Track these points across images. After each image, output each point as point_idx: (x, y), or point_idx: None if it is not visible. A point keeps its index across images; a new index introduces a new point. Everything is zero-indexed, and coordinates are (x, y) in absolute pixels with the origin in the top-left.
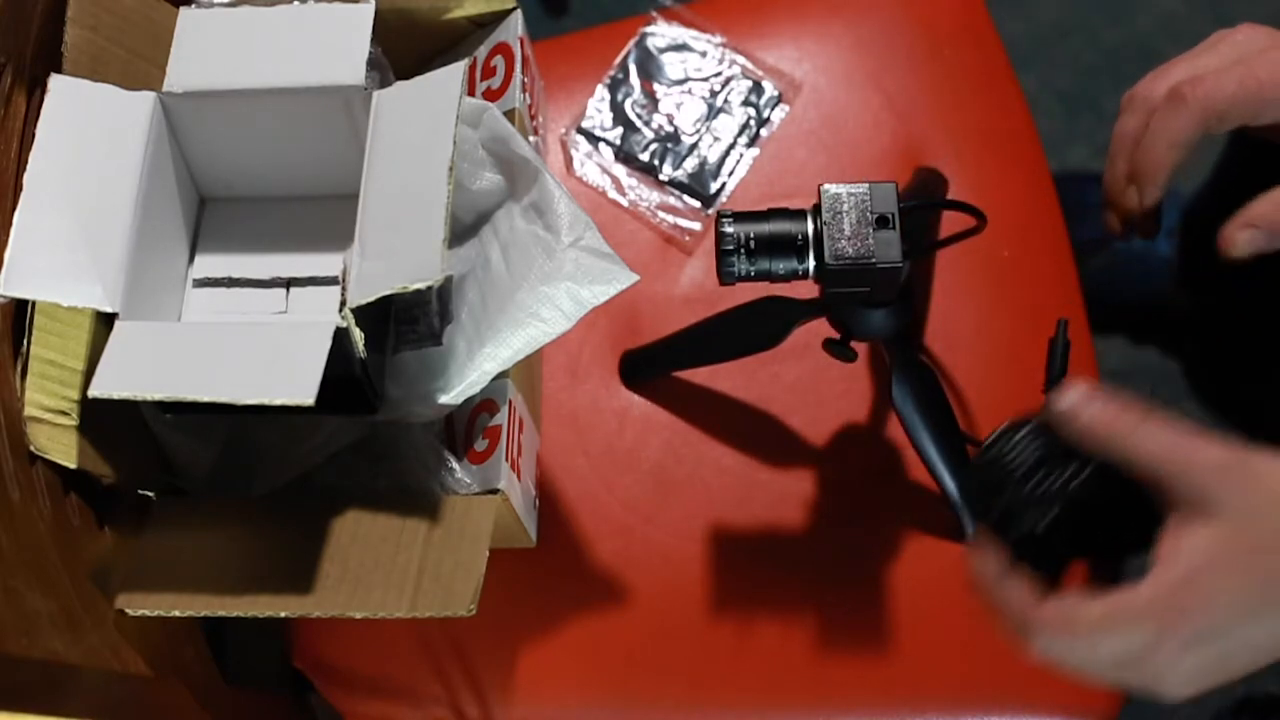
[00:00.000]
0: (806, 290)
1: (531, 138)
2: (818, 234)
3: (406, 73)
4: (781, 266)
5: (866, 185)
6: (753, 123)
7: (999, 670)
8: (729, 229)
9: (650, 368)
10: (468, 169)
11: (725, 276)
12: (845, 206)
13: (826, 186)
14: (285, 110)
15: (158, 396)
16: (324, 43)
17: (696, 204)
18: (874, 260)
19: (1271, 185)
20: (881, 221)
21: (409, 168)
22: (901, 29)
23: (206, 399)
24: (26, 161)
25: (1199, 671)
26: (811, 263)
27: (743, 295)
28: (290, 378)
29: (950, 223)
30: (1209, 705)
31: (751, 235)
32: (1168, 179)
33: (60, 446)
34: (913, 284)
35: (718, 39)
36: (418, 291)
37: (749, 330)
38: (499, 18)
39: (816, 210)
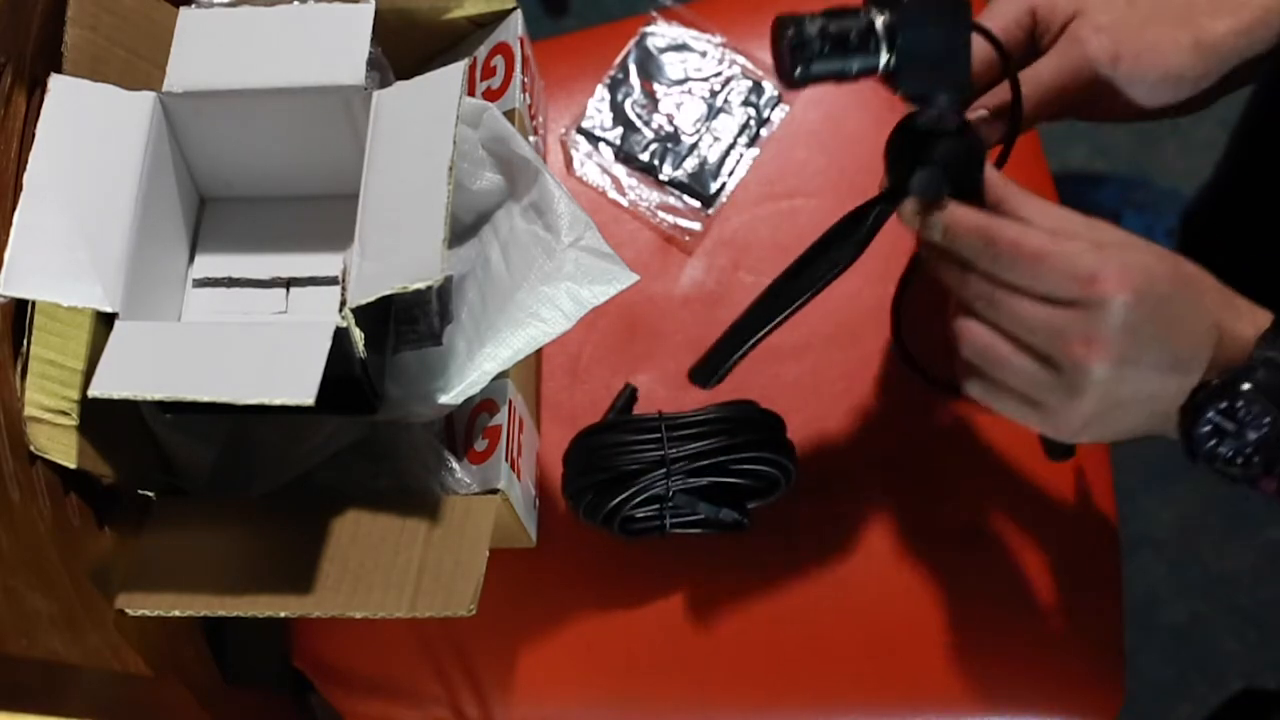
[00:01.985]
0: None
1: (531, 138)
2: (889, 26)
3: (406, 73)
4: (855, 65)
5: None
6: (753, 123)
7: (999, 670)
8: (802, 26)
9: (728, 352)
10: (468, 169)
11: (797, 77)
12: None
13: None
14: (285, 110)
15: (158, 396)
16: (324, 43)
17: (696, 204)
18: (954, 43)
19: (1273, 188)
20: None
21: (409, 168)
22: None
23: (206, 399)
24: (26, 161)
25: (1113, 367)
26: (885, 56)
27: (746, 295)
28: (290, 378)
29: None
30: (1208, 704)
31: (826, 29)
32: None
33: (60, 446)
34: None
35: (718, 39)
36: (418, 291)
37: (835, 248)
38: (499, 18)
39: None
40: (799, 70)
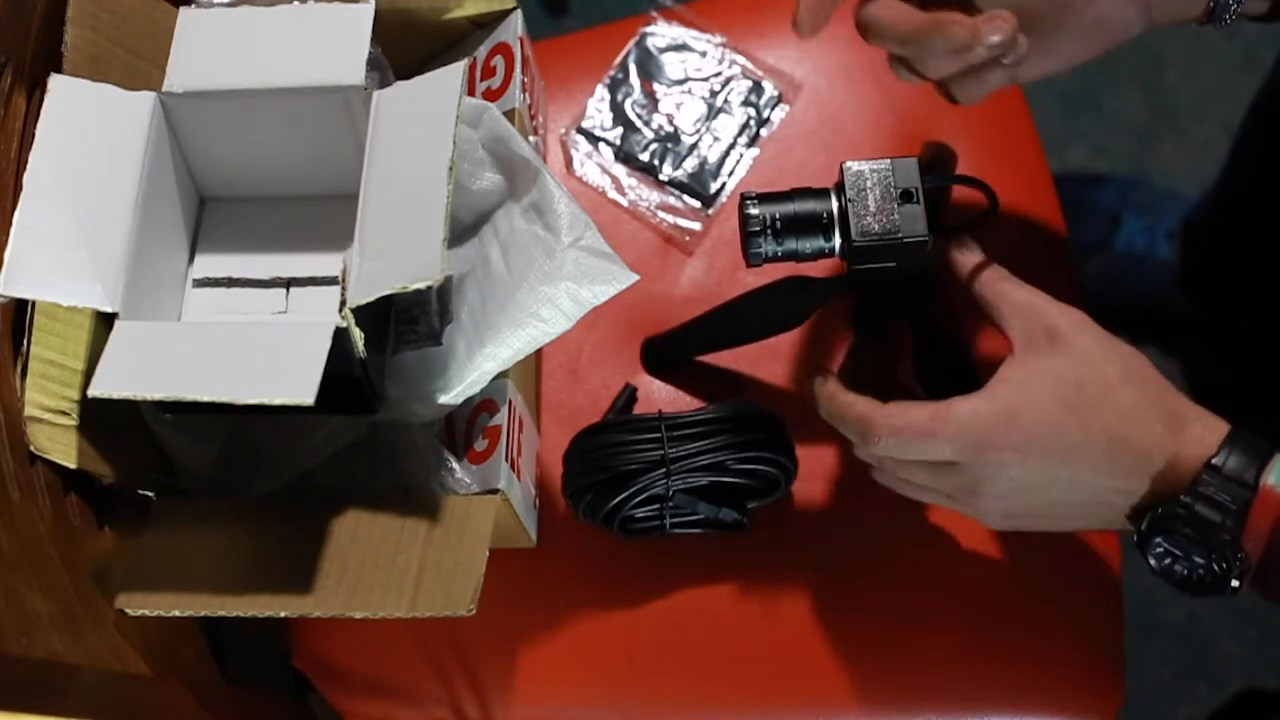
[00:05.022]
0: (824, 269)
1: (531, 138)
2: (842, 212)
3: (406, 73)
4: (808, 246)
5: (889, 161)
6: (753, 123)
7: (999, 670)
8: (754, 210)
9: (673, 353)
10: (468, 169)
11: (753, 258)
12: (869, 183)
13: (849, 164)
14: (285, 110)
15: (158, 396)
16: (324, 43)
17: (696, 204)
18: (900, 235)
19: (1274, 194)
20: (905, 196)
21: (409, 168)
22: None
23: (206, 399)
24: (26, 161)
25: (1013, 493)
26: (838, 241)
27: (742, 285)
28: (290, 378)
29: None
30: (1208, 704)
31: (777, 216)
32: None
33: (60, 446)
34: (936, 259)
35: (718, 39)
36: (418, 291)
37: (772, 311)
38: (499, 18)
39: (839, 188)
40: (752, 255)
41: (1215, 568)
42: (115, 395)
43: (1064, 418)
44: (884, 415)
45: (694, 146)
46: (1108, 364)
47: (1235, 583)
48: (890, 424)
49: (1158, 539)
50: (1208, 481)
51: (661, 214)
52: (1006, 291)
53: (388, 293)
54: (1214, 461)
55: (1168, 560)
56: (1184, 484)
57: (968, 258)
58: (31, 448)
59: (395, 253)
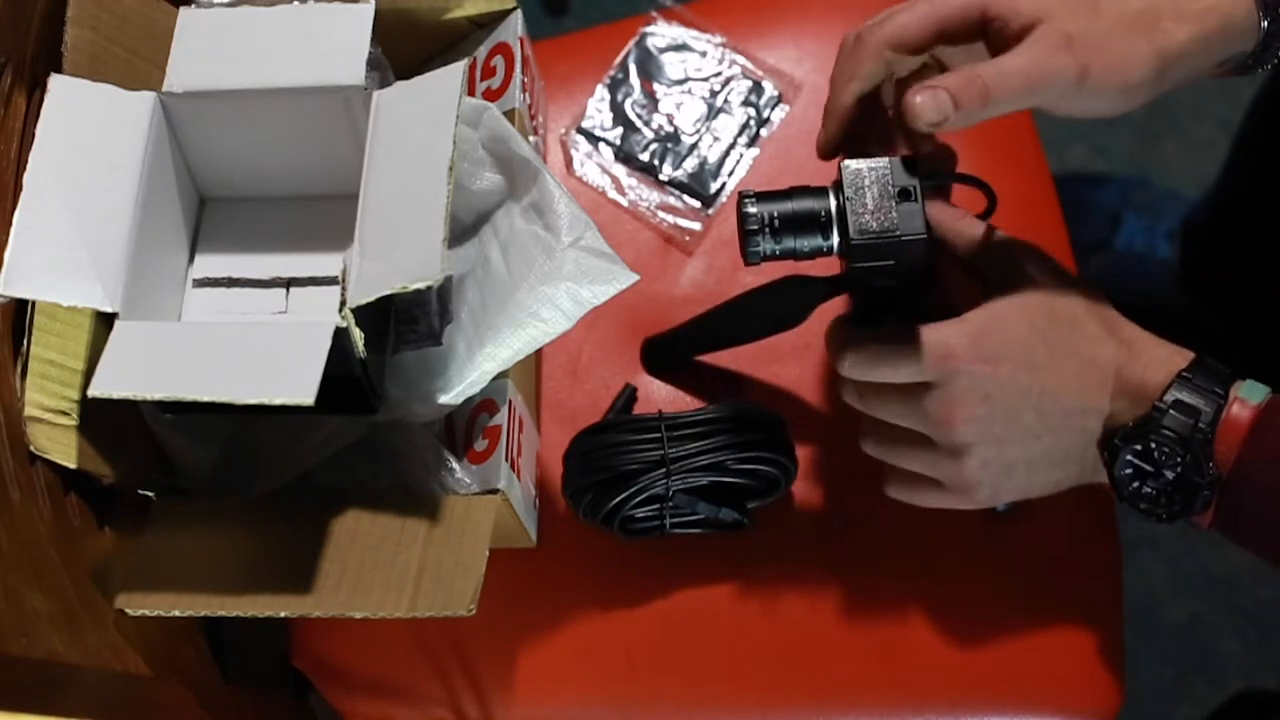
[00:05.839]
0: (823, 268)
1: (531, 138)
2: (841, 210)
3: (406, 73)
4: (806, 244)
5: (887, 160)
6: (753, 123)
7: (999, 670)
8: (752, 209)
9: (673, 353)
10: (468, 169)
11: (750, 257)
12: (867, 181)
13: (847, 162)
14: (285, 110)
15: (158, 396)
16: (324, 43)
17: (696, 204)
18: (898, 233)
19: (1274, 193)
20: (903, 195)
21: (409, 168)
22: None
23: (206, 399)
24: (26, 161)
25: (988, 418)
26: (836, 239)
27: (741, 285)
28: (290, 378)
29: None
30: (1208, 704)
31: (775, 214)
32: (844, 112)
33: (60, 446)
34: (934, 259)
35: (718, 39)
36: (418, 291)
37: (772, 311)
38: (499, 18)
39: (837, 186)
40: (749, 254)
41: (1190, 477)
42: (115, 395)
43: (1032, 339)
44: (854, 334)
45: (694, 146)
46: (1074, 297)
47: (1206, 492)
48: (858, 341)
49: (1129, 454)
50: (1181, 387)
51: (661, 214)
52: (976, 234)
53: (388, 293)
54: (1184, 373)
55: (1136, 483)
56: (1154, 399)
57: (938, 208)
58: (31, 448)
59: (395, 253)
